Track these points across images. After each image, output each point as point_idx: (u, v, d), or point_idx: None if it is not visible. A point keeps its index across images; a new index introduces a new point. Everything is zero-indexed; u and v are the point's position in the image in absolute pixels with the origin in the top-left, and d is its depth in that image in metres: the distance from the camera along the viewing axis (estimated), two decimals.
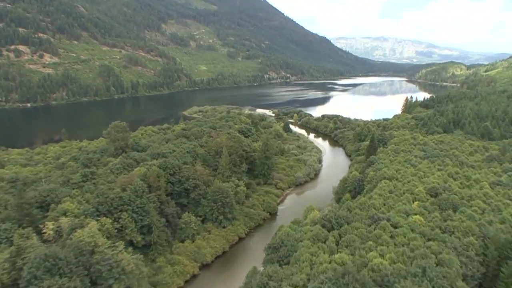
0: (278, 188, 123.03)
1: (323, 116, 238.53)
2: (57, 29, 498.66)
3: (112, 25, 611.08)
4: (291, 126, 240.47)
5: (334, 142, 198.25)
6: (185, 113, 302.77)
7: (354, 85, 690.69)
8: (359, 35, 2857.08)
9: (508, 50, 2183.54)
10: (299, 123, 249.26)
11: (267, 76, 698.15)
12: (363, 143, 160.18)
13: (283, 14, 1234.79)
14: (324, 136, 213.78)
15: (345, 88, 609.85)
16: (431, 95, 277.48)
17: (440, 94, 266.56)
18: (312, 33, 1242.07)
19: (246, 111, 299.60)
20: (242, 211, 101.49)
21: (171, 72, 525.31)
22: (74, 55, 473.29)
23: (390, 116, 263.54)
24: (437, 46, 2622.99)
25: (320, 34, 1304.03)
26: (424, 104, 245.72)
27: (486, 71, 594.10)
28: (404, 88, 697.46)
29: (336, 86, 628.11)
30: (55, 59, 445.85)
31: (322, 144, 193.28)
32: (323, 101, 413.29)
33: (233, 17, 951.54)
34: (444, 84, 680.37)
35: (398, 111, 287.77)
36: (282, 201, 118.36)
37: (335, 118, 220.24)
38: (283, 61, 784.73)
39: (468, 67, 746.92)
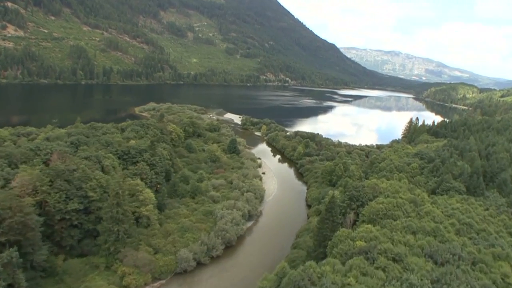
0: (124, 286, 58.86)
1: (296, 134, 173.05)
2: (33, 1, 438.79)
3: (101, 5, 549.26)
4: (257, 142, 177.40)
5: (299, 176, 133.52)
6: (137, 110, 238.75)
7: (356, 97, 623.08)
8: (370, 47, 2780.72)
9: None
10: (265, 138, 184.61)
11: (264, 77, 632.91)
12: (331, 190, 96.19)
13: (293, 16, 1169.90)
14: (290, 162, 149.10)
15: (345, 99, 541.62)
16: (442, 119, 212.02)
17: (455, 120, 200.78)
18: (321, 38, 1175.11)
19: (211, 115, 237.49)
20: None
21: (155, 61, 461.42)
22: (46, 31, 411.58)
23: (387, 140, 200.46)
24: (447, 66, 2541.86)
25: (331, 41, 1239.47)
26: (434, 131, 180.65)
27: (502, 96, 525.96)
28: (409, 106, 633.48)
29: (336, 96, 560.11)
30: (20, 33, 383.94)
31: (280, 177, 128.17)
32: (312, 111, 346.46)
33: (239, 13, 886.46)
34: (454, 106, 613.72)
35: (399, 133, 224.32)
36: None
37: (307, 139, 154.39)
38: (283, 63, 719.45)
39: (481, 91, 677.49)
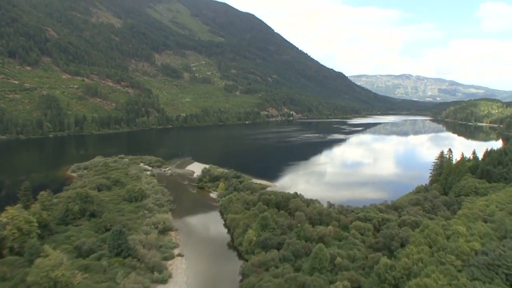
0: None
1: (260, 196, 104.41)
2: (8, 52, 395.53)
3: (87, 52, 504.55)
4: (206, 211, 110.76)
5: None
6: (71, 168, 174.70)
7: (368, 125, 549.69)
8: (380, 72, 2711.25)
9: None
10: (220, 202, 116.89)
11: (265, 113, 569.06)
12: None
13: (297, 48, 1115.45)
14: (240, 257, 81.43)
15: (355, 129, 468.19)
16: (489, 148, 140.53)
17: (509, 148, 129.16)
18: (327, 68, 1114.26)
19: (166, 169, 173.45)
20: None
21: (138, 106, 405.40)
22: (16, 82, 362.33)
23: (409, 185, 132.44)
24: (461, 84, 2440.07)
25: (339, 71, 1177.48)
26: (482, 170, 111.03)
27: None
28: (427, 128, 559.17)
29: (344, 127, 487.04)
30: None
31: None
32: (308, 150, 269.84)
33: (239, 49, 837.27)
34: (479, 124, 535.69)
35: (424, 169, 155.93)
36: None
37: (265, 215, 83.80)
38: (287, 96, 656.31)
39: (507, 104, 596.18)
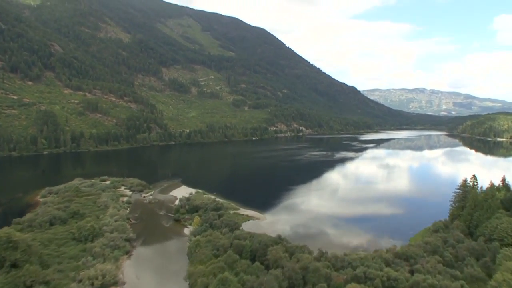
0: None
1: (232, 241, 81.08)
2: (10, 67, 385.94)
3: (93, 66, 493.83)
4: (174, 254, 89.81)
5: None
6: (42, 193, 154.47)
7: (381, 141, 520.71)
8: (393, 87, 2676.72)
9: None
10: (190, 242, 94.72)
11: (274, 128, 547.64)
12: None
13: (308, 62, 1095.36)
14: None
15: (366, 145, 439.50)
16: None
17: None
18: (339, 82, 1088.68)
19: (147, 195, 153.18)
20: None
21: (140, 121, 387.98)
22: (15, 97, 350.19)
23: (422, 222, 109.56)
24: (476, 97, 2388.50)
25: (352, 85, 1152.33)
26: None
27: None
28: (442, 143, 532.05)
29: (355, 143, 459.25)
30: None
31: None
32: (311, 171, 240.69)
33: (250, 64, 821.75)
34: (499, 139, 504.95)
35: (442, 196, 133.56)
36: None
37: (240, 264, 60.23)
38: (297, 111, 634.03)
39: None
